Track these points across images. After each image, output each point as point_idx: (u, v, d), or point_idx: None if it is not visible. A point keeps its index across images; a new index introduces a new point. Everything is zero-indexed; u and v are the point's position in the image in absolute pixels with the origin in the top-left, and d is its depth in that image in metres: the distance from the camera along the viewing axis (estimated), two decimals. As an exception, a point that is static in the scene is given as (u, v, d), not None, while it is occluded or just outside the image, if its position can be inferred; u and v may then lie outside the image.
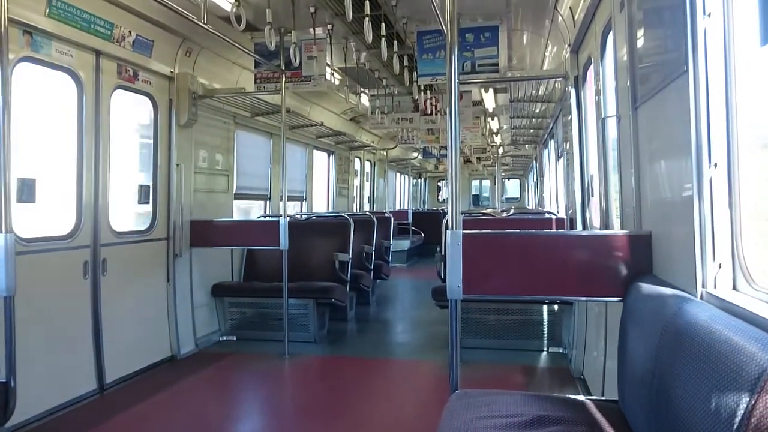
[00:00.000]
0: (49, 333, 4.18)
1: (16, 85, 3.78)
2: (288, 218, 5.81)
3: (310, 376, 5.40)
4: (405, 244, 13.31)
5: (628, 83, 2.89)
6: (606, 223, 4.00)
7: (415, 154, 15.93)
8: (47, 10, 3.98)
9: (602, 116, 3.89)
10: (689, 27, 1.99)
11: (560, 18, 4.89)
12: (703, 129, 1.97)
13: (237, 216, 7.21)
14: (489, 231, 3.99)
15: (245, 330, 6.38)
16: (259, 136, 7.99)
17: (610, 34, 3.47)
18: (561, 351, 5.60)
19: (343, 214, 7.86)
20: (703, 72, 1.97)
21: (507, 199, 22.91)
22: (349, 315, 7.35)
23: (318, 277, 6.57)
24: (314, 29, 5.62)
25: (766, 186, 2.05)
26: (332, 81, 7.50)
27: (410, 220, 13.96)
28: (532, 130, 11.83)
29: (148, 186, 5.51)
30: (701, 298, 1.99)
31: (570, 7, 4.46)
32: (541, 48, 6.55)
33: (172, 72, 5.53)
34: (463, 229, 2.90)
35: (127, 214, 5.49)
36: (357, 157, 12.87)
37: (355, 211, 12.19)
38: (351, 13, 4.10)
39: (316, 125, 8.82)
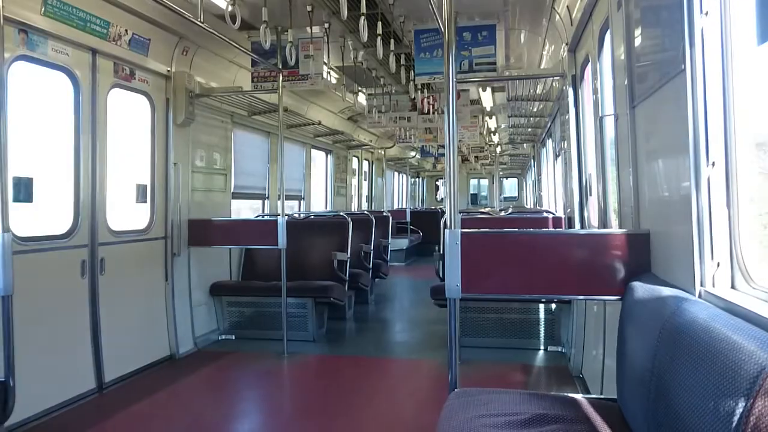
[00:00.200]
0: (48, 332, 4.17)
1: (12, 84, 3.77)
2: (286, 217, 5.81)
3: (308, 375, 5.40)
4: (403, 243, 13.31)
5: (626, 82, 2.89)
6: (604, 222, 4.00)
7: (413, 153, 15.94)
8: (43, 9, 3.97)
9: (600, 115, 3.89)
10: (686, 25, 1.99)
11: (558, 17, 4.89)
12: (701, 127, 1.97)
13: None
14: (487, 230, 3.99)
15: (244, 329, 6.38)
16: (257, 135, 7.98)
17: (608, 32, 3.47)
18: (560, 350, 5.60)
19: (341, 213, 7.86)
20: (700, 70, 1.97)
21: (505, 198, 22.94)
22: (347, 314, 7.35)
23: (316, 276, 6.57)
24: (311, 28, 5.61)
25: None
26: (329, 80, 7.50)
27: (408, 219, 13.96)
28: (530, 129, 11.83)
29: (146, 185, 5.50)
30: (700, 296, 1.99)
31: (567, 6, 4.46)
32: (538, 47, 6.56)
33: (168, 71, 5.52)
34: (462, 228, 2.90)
35: (126, 212, 5.47)
36: (355, 156, 12.86)
37: (353, 210, 12.18)
38: (345, 12, 4.09)
39: (313, 124, 8.81)
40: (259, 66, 5.97)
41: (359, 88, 8.79)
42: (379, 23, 5.12)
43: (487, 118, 11.31)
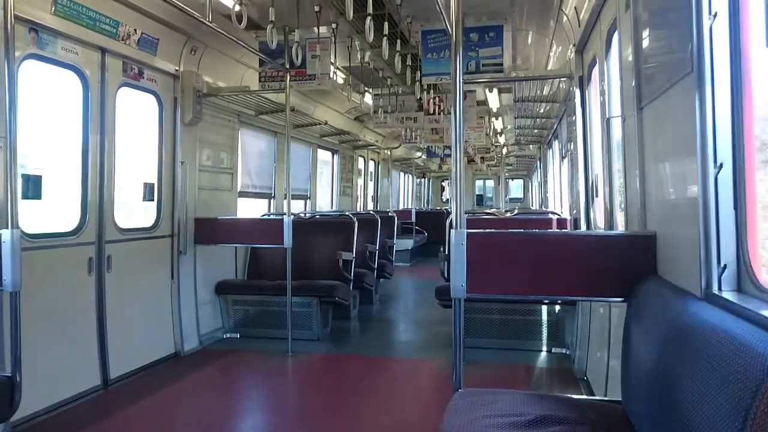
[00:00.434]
0: (54, 328, 4.20)
1: (22, 82, 3.80)
2: (292, 217, 5.82)
3: (313, 374, 5.41)
4: (408, 243, 13.31)
5: (633, 83, 2.89)
6: (610, 224, 3.99)
7: (418, 154, 15.93)
8: (53, 8, 4.00)
9: (607, 116, 3.88)
10: (695, 27, 1.98)
11: (565, 18, 4.89)
12: (709, 129, 1.96)
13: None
14: (493, 230, 3.99)
15: (249, 327, 6.40)
16: (264, 134, 8.00)
17: (615, 34, 3.46)
18: (564, 352, 5.59)
19: (347, 213, 7.87)
20: (708, 72, 1.96)
21: (510, 199, 22.89)
22: (352, 314, 7.36)
23: (321, 276, 6.58)
24: (318, 28, 5.62)
25: None
26: (336, 80, 7.51)
27: (414, 219, 13.95)
28: (536, 131, 11.81)
29: (153, 183, 5.53)
30: (706, 299, 1.99)
31: (575, 7, 4.45)
32: (545, 48, 6.54)
33: (177, 70, 5.55)
34: (467, 228, 2.90)
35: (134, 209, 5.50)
36: (361, 156, 12.88)
37: (358, 210, 12.19)
38: (351, 12, 4.09)
39: (320, 124, 8.83)
40: (267, 66, 5.99)
41: (366, 89, 8.79)
42: (386, 24, 5.12)
43: (493, 119, 11.29)
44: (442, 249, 6.71)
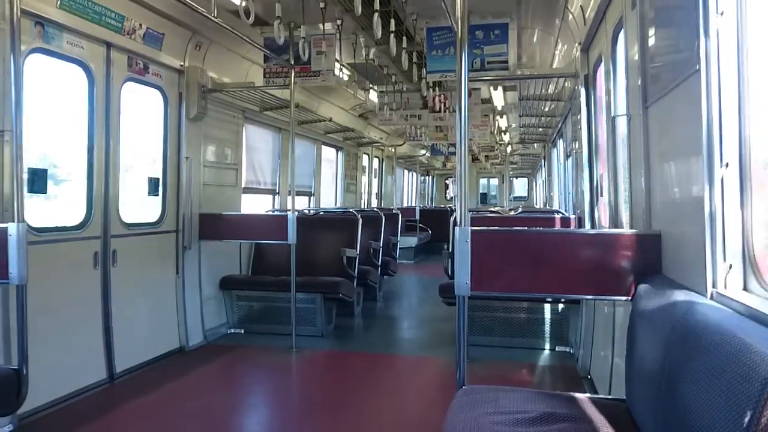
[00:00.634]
0: (60, 322, 4.22)
1: (28, 76, 3.81)
2: (296, 213, 5.83)
3: (316, 370, 5.43)
4: (412, 240, 13.31)
5: (639, 82, 2.88)
6: (615, 223, 3.98)
7: (423, 152, 15.91)
8: (59, 2, 4.01)
9: (612, 115, 3.87)
10: (702, 25, 1.98)
11: (571, 16, 4.87)
12: (715, 128, 1.96)
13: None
14: (497, 228, 3.98)
15: (253, 323, 6.42)
16: (268, 130, 8.01)
17: (621, 32, 3.45)
18: (568, 350, 5.59)
19: (351, 210, 7.87)
20: (715, 71, 1.95)
21: (515, 197, 22.85)
22: (356, 310, 7.37)
23: (325, 272, 6.59)
24: (324, 24, 5.62)
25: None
26: (341, 76, 7.50)
27: (418, 217, 13.94)
28: (540, 129, 11.79)
29: (158, 179, 5.55)
30: (711, 298, 1.98)
31: (581, 6, 4.43)
32: (551, 46, 6.52)
33: (182, 65, 5.56)
34: (471, 226, 2.90)
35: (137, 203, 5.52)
36: (365, 153, 12.87)
37: (363, 207, 12.20)
38: (360, 9, 4.09)
39: (324, 121, 8.83)
40: (272, 62, 5.99)
41: (371, 86, 8.77)
42: (392, 20, 5.12)
43: (498, 117, 11.26)
44: (445, 246, 6.71)
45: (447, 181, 24.68)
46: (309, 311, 6.23)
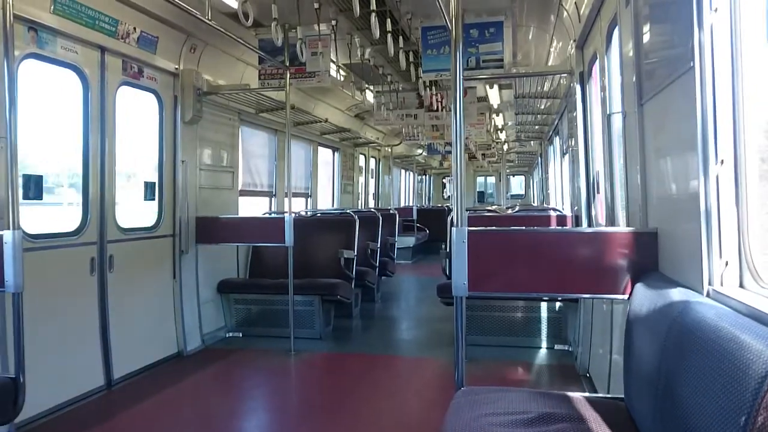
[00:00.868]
0: (57, 329, 4.20)
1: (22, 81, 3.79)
2: (293, 215, 5.82)
3: (315, 372, 5.42)
4: (410, 241, 13.30)
5: (634, 79, 2.88)
6: (612, 220, 3.98)
7: (419, 151, 15.91)
8: (52, 7, 3.99)
9: (608, 112, 3.87)
10: (696, 22, 1.97)
11: (565, 13, 4.87)
12: (710, 125, 1.95)
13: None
14: (494, 228, 3.98)
15: (251, 326, 6.41)
16: (264, 132, 7.99)
17: (616, 29, 3.45)
18: (566, 348, 5.59)
19: (348, 211, 7.87)
20: (709, 68, 1.95)
21: (512, 195, 22.87)
22: (354, 312, 7.36)
23: (323, 274, 6.58)
24: (319, 25, 5.61)
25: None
26: (337, 77, 7.49)
27: (415, 216, 13.94)
28: (537, 127, 11.79)
29: (154, 183, 5.53)
30: (708, 295, 1.98)
31: (575, 3, 4.44)
32: (546, 43, 6.52)
33: (176, 68, 5.54)
34: (468, 226, 2.90)
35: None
36: (362, 153, 12.86)
37: (360, 208, 12.19)
38: (358, 9, 4.09)
39: (320, 122, 8.82)
40: (267, 63, 5.98)
41: (366, 86, 8.78)
42: (388, 20, 5.11)
43: (494, 115, 11.26)
44: (443, 246, 6.71)
45: (444, 180, 24.68)
46: (307, 313, 6.22)
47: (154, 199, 5.51)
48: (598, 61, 4.22)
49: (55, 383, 4.12)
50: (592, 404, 2.47)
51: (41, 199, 4.32)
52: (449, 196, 23.38)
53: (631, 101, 2.95)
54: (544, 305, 5.71)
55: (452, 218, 3.01)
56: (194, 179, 5.90)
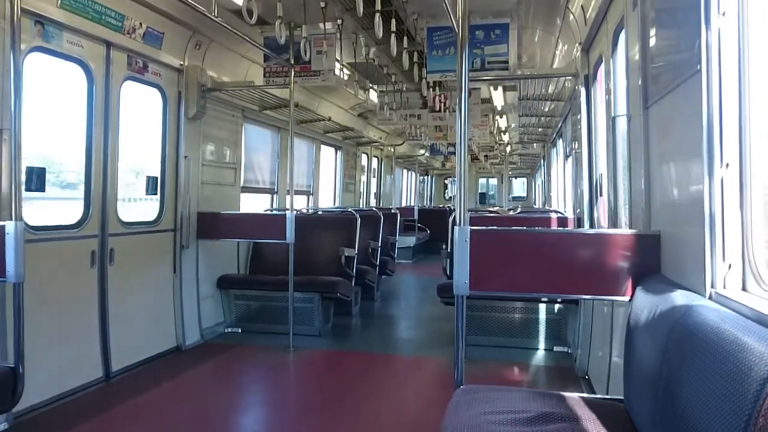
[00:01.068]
0: (57, 320, 4.21)
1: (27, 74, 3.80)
2: (295, 212, 5.82)
3: (314, 369, 5.42)
4: (411, 240, 13.31)
5: (640, 82, 2.88)
6: (614, 223, 3.98)
7: (422, 151, 15.92)
8: (59, 1, 4.00)
9: (612, 115, 3.87)
10: (703, 26, 1.97)
11: (572, 16, 4.87)
12: (716, 129, 1.95)
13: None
14: (497, 228, 3.99)
15: (250, 322, 6.41)
16: (267, 130, 7.99)
17: (622, 32, 3.45)
18: (566, 350, 5.59)
19: (349, 210, 7.87)
20: (716, 71, 1.95)
21: (514, 197, 22.86)
22: (353, 310, 7.36)
23: (323, 272, 6.58)
24: (324, 24, 5.61)
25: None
26: (341, 76, 7.49)
27: (416, 216, 13.94)
28: (540, 129, 11.79)
29: (156, 177, 5.53)
30: (710, 298, 1.98)
31: (582, 5, 4.44)
32: (551, 46, 6.52)
33: (181, 64, 5.55)
34: (470, 226, 2.90)
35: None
36: (364, 153, 12.87)
37: (361, 206, 12.19)
38: (362, 8, 4.09)
39: (324, 120, 8.82)
40: (272, 61, 5.98)
41: (371, 85, 8.78)
42: (393, 20, 5.11)
43: (497, 117, 11.27)
44: (444, 246, 6.71)
45: (446, 181, 24.68)
46: (307, 310, 6.23)
47: (156, 194, 5.51)
48: (603, 64, 4.22)
49: (53, 374, 4.13)
50: (591, 405, 2.47)
51: (44, 191, 4.33)
52: (451, 197, 23.39)
53: (637, 104, 2.95)
54: (543, 307, 5.71)
55: (454, 218, 3.02)
56: (197, 175, 5.91)
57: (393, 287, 9.77)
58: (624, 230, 3.26)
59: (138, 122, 5.32)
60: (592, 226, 4.77)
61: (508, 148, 15.29)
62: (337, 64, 6.29)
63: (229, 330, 6.39)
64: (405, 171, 18.42)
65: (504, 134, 13.21)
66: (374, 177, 14.07)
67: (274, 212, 7.52)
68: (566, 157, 8.48)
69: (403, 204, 17.70)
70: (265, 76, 6.12)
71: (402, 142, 13.43)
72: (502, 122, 12.07)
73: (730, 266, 1.96)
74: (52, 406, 4.07)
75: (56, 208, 4.99)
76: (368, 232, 7.70)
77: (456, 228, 2.88)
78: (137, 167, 5.59)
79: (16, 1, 3.00)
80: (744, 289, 1.94)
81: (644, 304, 2.37)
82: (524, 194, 24.26)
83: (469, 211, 3.23)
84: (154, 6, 4.78)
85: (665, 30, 2.62)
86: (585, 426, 2.23)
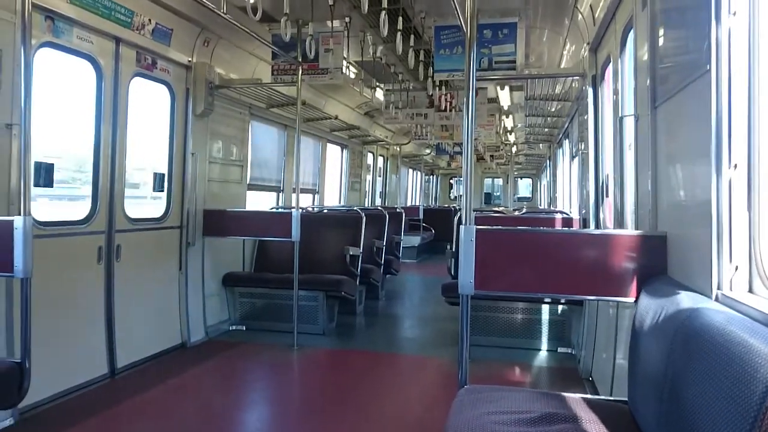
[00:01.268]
0: (63, 316, 4.23)
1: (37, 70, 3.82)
2: (300, 210, 5.83)
3: (318, 368, 5.43)
4: (415, 240, 13.31)
5: (648, 82, 2.87)
6: (620, 224, 3.97)
7: (428, 151, 15.91)
8: (70, -3, 4.02)
9: (620, 115, 3.85)
10: (713, 26, 1.96)
11: (580, 16, 4.85)
12: (724, 129, 1.94)
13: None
14: (502, 227, 3.99)
15: (255, 320, 6.42)
16: (274, 127, 8.01)
17: (631, 32, 3.43)
18: (569, 351, 5.57)
19: (355, 208, 7.87)
20: (725, 72, 1.94)
21: (519, 198, 22.81)
22: (358, 309, 7.37)
23: (328, 270, 6.58)
24: (332, 22, 5.61)
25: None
26: (348, 74, 7.50)
27: (421, 216, 13.93)
28: (546, 129, 11.76)
29: (163, 174, 5.55)
30: (717, 300, 1.97)
31: (590, 5, 4.42)
32: (559, 46, 6.51)
33: (189, 61, 5.56)
34: (476, 225, 2.89)
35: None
36: (370, 151, 12.87)
37: (366, 205, 12.19)
38: (366, 6, 4.09)
39: (330, 118, 8.83)
40: (279, 59, 5.99)
41: (377, 84, 8.78)
42: (400, 18, 5.11)
43: (504, 116, 11.25)
44: (449, 246, 6.70)
45: (451, 181, 24.65)
46: (311, 309, 6.23)
47: (163, 190, 5.53)
48: (611, 64, 4.20)
49: (59, 370, 4.15)
50: (595, 406, 2.46)
51: (52, 187, 4.36)
52: (456, 197, 23.36)
53: (645, 104, 2.94)
54: (547, 308, 5.70)
55: (459, 217, 3.01)
56: (203, 172, 5.92)
57: (397, 286, 9.77)
58: (630, 231, 3.25)
59: (146, 119, 5.34)
60: (597, 227, 4.75)
61: (514, 148, 15.27)
62: (344, 63, 6.29)
63: (234, 327, 6.41)
64: (410, 170, 18.42)
65: (510, 134, 13.19)
66: (380, 176, 14.07)
67: (280, 210, 7.54)
68: (572, 157, 8.46)
69: (409, 203, 17.70)
70: (272, 74, 6.13)
71: (408, 142, 13.42)
72: (509, 122, 12.04)
73: (737, 268, 1.95)
74: (57, 402, 4.08)
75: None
76: (373, 231, 7.69)
77: (461, 227, 2.88)
78: (144, 164, 5.61)
79: None
80: (751, 290, 1.93)
81: (650, 305, 2.36)
82: (530, 195, 24.20)
83: (474, 211, 3.23)
84: (163, 2, 4.79)
85: (674, 30, 2.61)
86: (589, 427, 2.23)
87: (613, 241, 2.84)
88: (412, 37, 5.79)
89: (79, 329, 4.41)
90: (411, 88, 8.86)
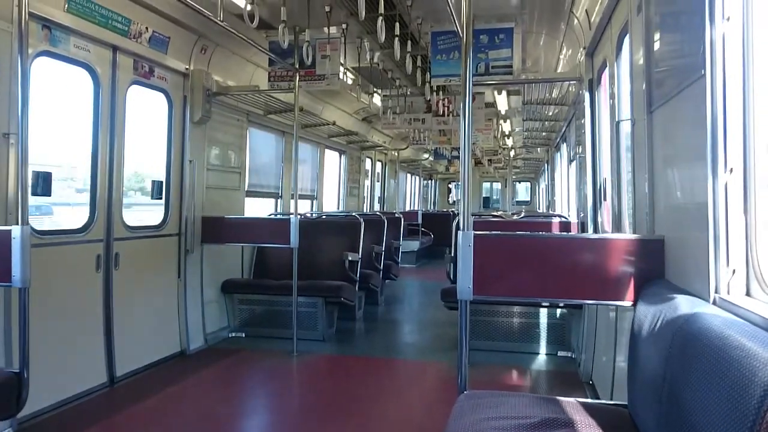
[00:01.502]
0: (62, 325, 4.22)
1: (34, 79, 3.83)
2: (299, 217, 5.83)
3: (317, 374, 5.41)
4: (414, 245, 13.30)
5: (644, 86, 2.88)
6: (618, 227, 3.97)
7: (426, 156, 15.94)
8: (66, 5, 4.03)
9: (616, 120, 3.87)
10: (708, 31, 1.98)
11: (576, 20, 4.87)
12: (720, 133, 1.95)
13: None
14: (500, 232, 3.99)
15: (254, 327, 6.41)
16: (272, 134, 8.02)
17: (627, 37, 3.45)
18: (570, 355, 5.57)
19: (353, 214, 7.87)
20: (720, 76, 1.95)
21: (517, 202, 22.83)
22: (357, 314, 7.36)
23: (327, 276, 6.58)
24: (329, 28, 5.63)
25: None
26: (345, 80, 7.52)
27: (420, 221, 13.94)
28: (544, 133, 11.78)
29: (161, 182, 5.55)
30: (714, 303, 1.98)
31: (586, 10, 4.44)
32: (555, 50, 6.53)
33: (187, 69, 5.57)
34: (474, 230, 2.90)
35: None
36: (368, 157, 12.89)
37: (365, 211, 12.20)
38: (363, 12, 4.10)
39: (328, 124, 8.84)
40: (276, 65, 6.01)
41: (374, 89, 8.80)
42: (397, 24, 5.13)
43: (501, 121, 11.28)
44: (448, 251, 6.70)
45: (450, 185, 24.66)
46: (310, 315, 6.23)
47: (161, 198, 5.53)
48: (607, 68, 4.22)
49: (58, 379, 4.13)
50: (596, 410, 2.46)
51: (50, 196, 4.35)
52: (455, 201, 23.38)
53: (641, 109, 2.95)
54: (547, 311, 5.69)
55: (458, 222, 3.02)
56: (201, 179, 5.93)
57: (397, 292, 9.77)
58: (628, 235, 3.25)
59: (143, 126, 5.35)
60: (595, 230, 4.76)
61: (512, 153, 15.29)
62: (341, 69, 6.31)
63: (233, 334, 6.40)
64: (409, 175, 18.43)
65: (508, 138, 13.21)
66: (378, 181, 14.08)
67: (279, 216, 7.54)
68: (570, 161, 8.47)
69: (407, 208, 17.70)
70: (269, 81, 6.15)
71: (406, 147, 13.44)
72: (506, 126, 12.07)
73: (734, 271, 1.95)
74: (56, 411, 4.07)
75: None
76: (372, 236, 7.70)
77: (460, 233, 2.88)
78: (142, 172, 5.61)
79: (24, 5, 3.02)
80: (748, 294, 1.93)
81: (648, 309, 2.37)
82: (528, 199, 24.22)
83: (472, 215, 3.23)
84: (160, 10, 4.80)
85: (669, 34, 2.62)
86: (589, 431, 2.23)
87: (610, 246, 2.84)
88: (409, 42, 5.80)
89: (77, 338, 4.40)
90: (408, 93, 8.88)
